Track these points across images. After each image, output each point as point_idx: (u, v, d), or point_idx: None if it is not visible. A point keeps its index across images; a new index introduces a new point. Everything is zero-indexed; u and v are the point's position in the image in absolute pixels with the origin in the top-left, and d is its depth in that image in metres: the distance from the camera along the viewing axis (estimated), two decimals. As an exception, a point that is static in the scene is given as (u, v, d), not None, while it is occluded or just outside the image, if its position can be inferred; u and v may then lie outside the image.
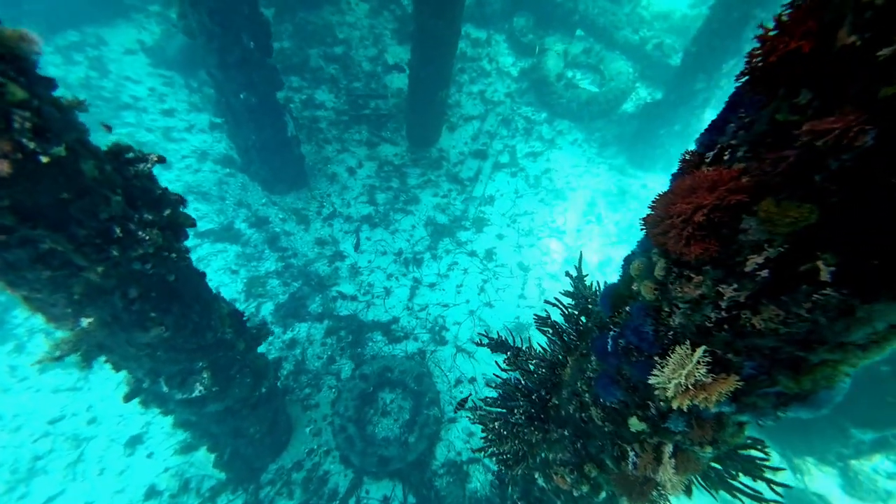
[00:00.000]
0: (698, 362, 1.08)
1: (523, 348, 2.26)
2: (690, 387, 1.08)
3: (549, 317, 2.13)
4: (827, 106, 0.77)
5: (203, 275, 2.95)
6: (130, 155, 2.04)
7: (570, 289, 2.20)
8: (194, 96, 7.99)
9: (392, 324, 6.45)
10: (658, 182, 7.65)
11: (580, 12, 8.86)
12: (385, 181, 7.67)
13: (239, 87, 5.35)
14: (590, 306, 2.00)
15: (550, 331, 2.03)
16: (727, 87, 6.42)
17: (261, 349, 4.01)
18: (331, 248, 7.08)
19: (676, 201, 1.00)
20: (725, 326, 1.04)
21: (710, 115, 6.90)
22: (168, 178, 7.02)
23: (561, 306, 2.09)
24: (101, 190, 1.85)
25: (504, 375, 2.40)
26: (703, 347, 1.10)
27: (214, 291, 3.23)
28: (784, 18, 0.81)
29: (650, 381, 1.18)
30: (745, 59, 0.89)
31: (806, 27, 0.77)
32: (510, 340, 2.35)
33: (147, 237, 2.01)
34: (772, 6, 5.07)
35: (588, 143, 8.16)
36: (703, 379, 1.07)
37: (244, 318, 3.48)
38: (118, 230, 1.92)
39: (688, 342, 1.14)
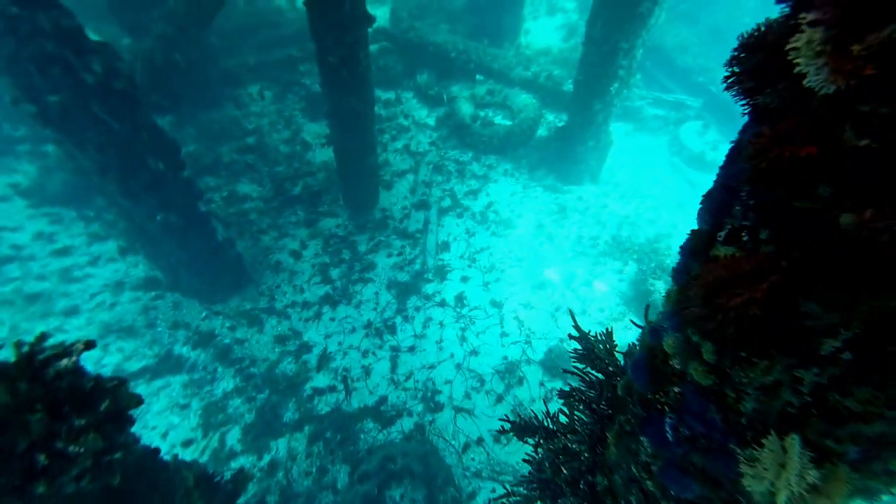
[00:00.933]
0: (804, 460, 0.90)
1: (550, 426, 2.07)
2: (804, 492, 0.89)
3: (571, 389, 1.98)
4: (851, 196, 0.75)
5: (157, 451, 2.41)
6: (48, 353, 1.63)
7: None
8: (93, 226, 7.21)
9: (380, 405, 5.90)
10: (589, 192, 8.32)
11: (474, 61, 9.82)
12: (335, 255, 7.36)
13: (153, 210, 4.91)
14: (609, 367, 1.88)
15: (575, 401, 1.87)
16: (620, 103, 7.37)
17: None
18: (294, 341, 6.47)
19: (716, 291, 0.91)
20: (814, 411, 0.92)
21: (614, 128, 7.83)
22: (78, 325, 6.03)
23: (579, 373, 1.96)
24: (17, 416, 1.43)
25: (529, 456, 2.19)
26: (797, 440, 0.92)
27: (170, 458, 2.65)
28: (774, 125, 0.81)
29: (744, 483, 0.99)
30: (747, 162, 0.86)
31: (805, 137, 0.78)
32: (534, 419, 2.16)
33: (81, 449, 1.57)
34: (632, 37, 6.06)
35: (518, 170, 8.72)
36: (816, 481, 0.88)
37: (216, 479, 2.87)
38: (42, 458, 1.47)
39: (772, 431, 0.98)
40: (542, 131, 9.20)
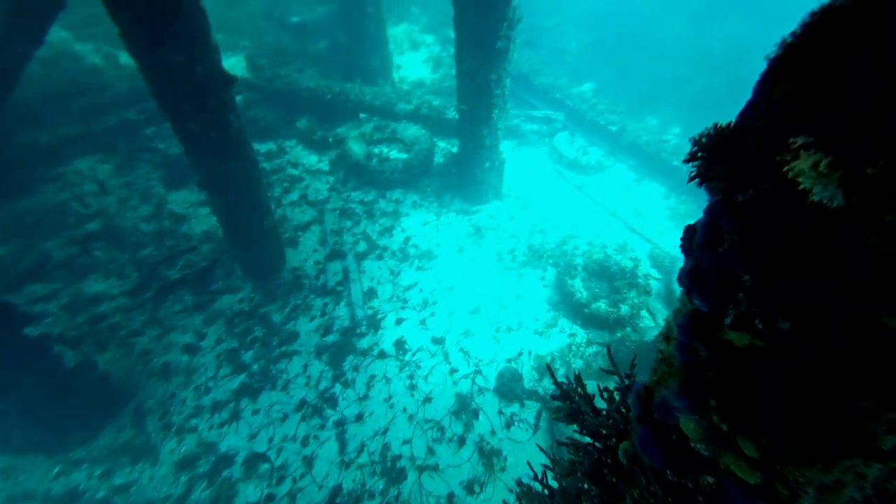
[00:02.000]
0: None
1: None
2: None
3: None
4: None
5: None
6: None
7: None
8: None
9: (335, 498, 5.07)
10: (496, 208, 8.79)
11: (354, 101, 9.77)
12: (245, 335, 6.28)
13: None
14: (598, 425, 1.70)
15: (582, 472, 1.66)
16: (504, 126, 7.99)
17: None
18: (206, 459, 5.21)
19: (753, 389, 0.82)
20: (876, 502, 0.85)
21: (503, 146, 8.48)
22: None
23: (570, 443, 1.78)
24: None
25: None
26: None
27: None
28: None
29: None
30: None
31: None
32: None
33: None
34: (498, 69, 6.70)
35: (426, 200, 8.78)
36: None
37: None
38: None
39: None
40: (438, 158, 9.51)
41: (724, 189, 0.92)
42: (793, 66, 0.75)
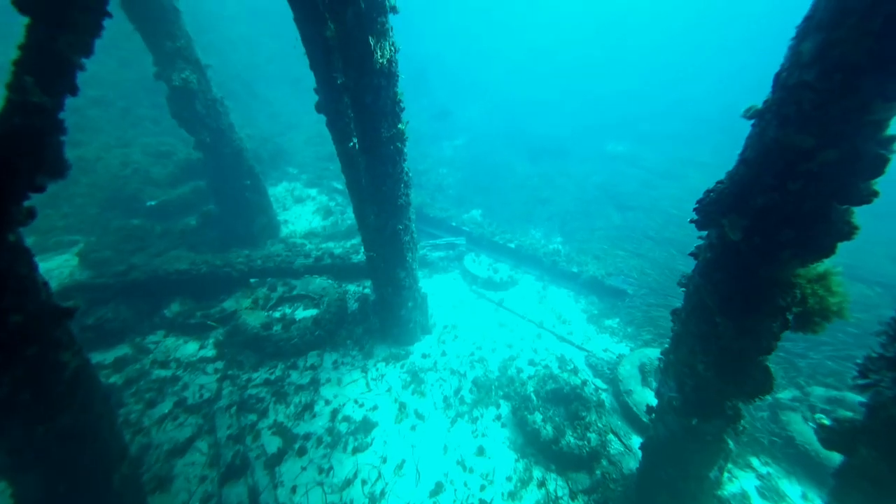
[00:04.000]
0: None
1: None
2: None
3: None
4: None
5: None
6: None
7: None
8: None
9: None
10: (427, 345, 8.22)
11: (240, 270, 8.79)
12: None
13: None
14: None
15: None
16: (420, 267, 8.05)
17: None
18: None
19: None
20: None
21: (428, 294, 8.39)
22: None
23: None
24: None
25: None
26: None
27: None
28: None
29: None
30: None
31: None
32: None
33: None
34: (405, 219, 6.98)
35: (348, 355, 7.71)
36: None
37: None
38: None
39: None
40: (352, 304, 8.84)
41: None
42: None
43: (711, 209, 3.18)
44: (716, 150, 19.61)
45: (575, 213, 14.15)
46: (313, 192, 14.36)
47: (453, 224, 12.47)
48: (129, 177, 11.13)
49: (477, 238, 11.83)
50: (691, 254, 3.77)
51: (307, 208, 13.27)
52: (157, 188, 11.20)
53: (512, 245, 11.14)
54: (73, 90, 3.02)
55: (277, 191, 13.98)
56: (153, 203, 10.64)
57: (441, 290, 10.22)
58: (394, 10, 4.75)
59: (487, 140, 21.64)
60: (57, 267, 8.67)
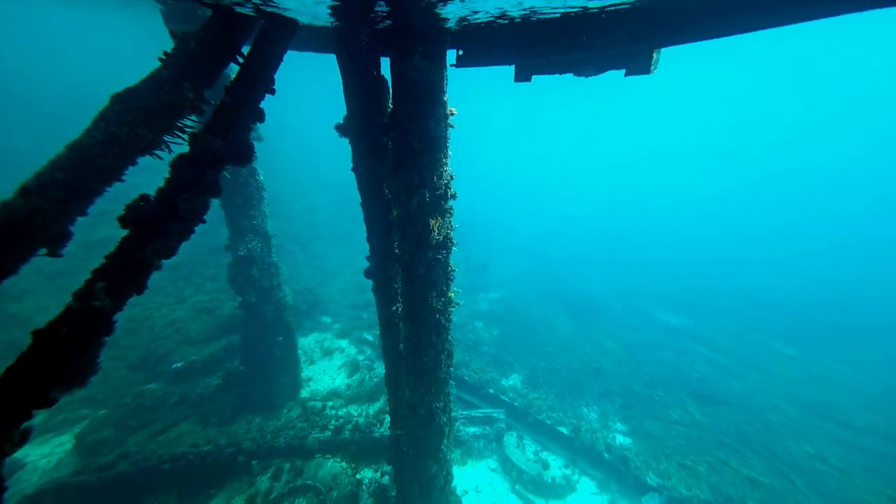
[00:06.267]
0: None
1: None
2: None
3: None
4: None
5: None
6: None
7: None
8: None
9: None
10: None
11: (247, 450, 7.57)
12: None
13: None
14: None
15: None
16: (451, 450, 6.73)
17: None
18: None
19: None
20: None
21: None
22: None
23: None
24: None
25: None
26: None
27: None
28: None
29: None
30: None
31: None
32: None
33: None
34: (443, 396, 6.16)
35: None
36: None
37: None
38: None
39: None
40: (367, 501, 7.11)
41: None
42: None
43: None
44: (792, 339, 17.75)
45: (638, 395, 12.37)
46: (344, 342, 13.97)
47: (490, 391, 11.15)
48: (169, 336, 11.41)
49: (519, 412, 10.28)
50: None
51: (334, 362, 12.63)
52: (191, 346, 11.24)
53: (564, 430, 9.43)
54: (141, 290, 2.85)
55: (308, 341, 13.73)
56: (179, 365, 10.45)
57: (475, 484, 8.28)
58: (454, 196, 5.09)
59: (524, 295, 21.72)
60: (47, 454, 7.91)
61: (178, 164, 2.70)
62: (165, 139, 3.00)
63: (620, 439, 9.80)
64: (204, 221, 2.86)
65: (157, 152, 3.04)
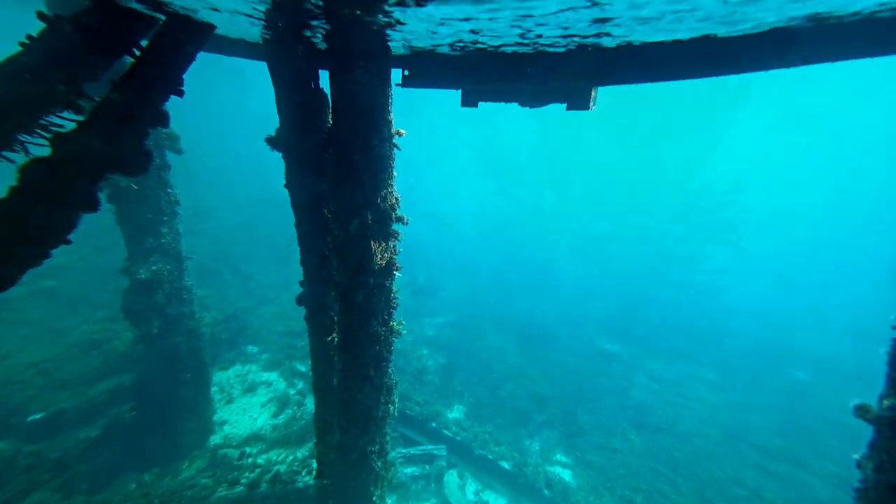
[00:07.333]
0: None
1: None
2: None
3: None
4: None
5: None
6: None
7: None
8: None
9: None
10: None
11: None
12: None
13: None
14: None
15: None
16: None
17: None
18: None
19: None
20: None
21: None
22: None
23: None
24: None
25: None
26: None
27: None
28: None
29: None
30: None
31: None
32: None
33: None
34: (379, 438, 5.69)
35: None
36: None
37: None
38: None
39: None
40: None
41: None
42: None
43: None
44: (718, 367, 19.05)
45: (582, 424, 12.55)
46: (272, 375, 12.66)
47: (433, 426, 10.67)
48: (28, 380, 9.28)
49: (462, 447, 9.89)
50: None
51: (257, 398, 11.32)
52: (64, 390, 9.09)
53: (507, 466, 9.19)
54: None
55: (226, 376, 12.24)
56: (37, 417, 8.28)
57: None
58: (401, 220, 4.85)
59: (471, 319, 21.63)
60: None
61: (32, 169, 2.15)
62: (20, 138, 2.39)
63: (562, 473, 9.75)
64: (68, 242, 2.29)
65: (7, 154, 2.41)
